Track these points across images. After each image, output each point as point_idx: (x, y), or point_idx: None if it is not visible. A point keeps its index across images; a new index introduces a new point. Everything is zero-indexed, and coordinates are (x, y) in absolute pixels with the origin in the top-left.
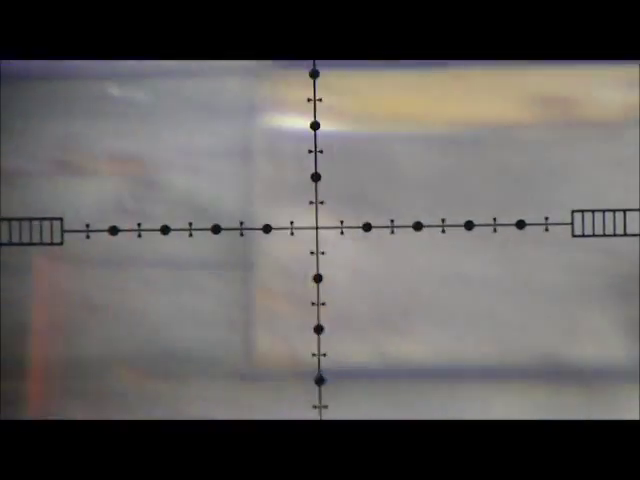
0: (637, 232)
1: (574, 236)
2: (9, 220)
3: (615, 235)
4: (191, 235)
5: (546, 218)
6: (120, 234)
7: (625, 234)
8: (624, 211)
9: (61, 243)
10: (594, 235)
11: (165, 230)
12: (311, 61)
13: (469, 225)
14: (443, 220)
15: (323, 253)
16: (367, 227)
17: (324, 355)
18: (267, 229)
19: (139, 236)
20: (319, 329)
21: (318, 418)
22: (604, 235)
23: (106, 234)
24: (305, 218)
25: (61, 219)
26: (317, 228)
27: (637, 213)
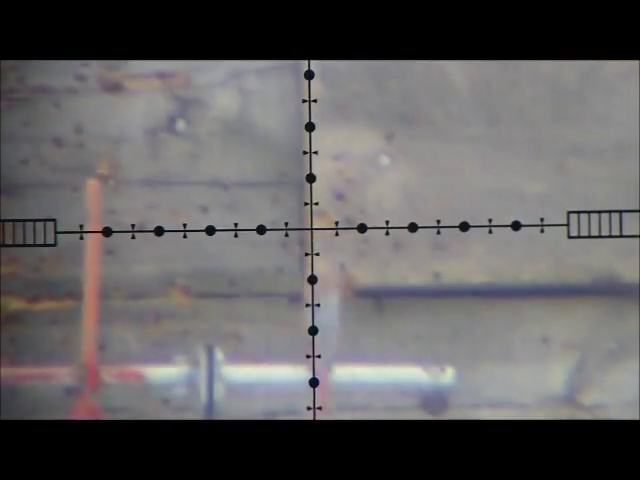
0: (634, 233)
1: (570, 237)
2: (2, 222)
3: (611, 236)
4: None
5: (541, 219)
6: (113, 235)
7: (621, 235)
8: (620, 212)
9: (54, 244)
10: (590, 236)
11: None
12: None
13: (464, 226)
14: (438, 221)
15: (318, 254)
16: (362, 228)
17: None
18: None
19: (133, 237)
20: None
21: (312, 419)
22: (600, 236)
23: (99, 235)
24: None
25: (54, 220)
26: (312, 229)
27: (633, 214)
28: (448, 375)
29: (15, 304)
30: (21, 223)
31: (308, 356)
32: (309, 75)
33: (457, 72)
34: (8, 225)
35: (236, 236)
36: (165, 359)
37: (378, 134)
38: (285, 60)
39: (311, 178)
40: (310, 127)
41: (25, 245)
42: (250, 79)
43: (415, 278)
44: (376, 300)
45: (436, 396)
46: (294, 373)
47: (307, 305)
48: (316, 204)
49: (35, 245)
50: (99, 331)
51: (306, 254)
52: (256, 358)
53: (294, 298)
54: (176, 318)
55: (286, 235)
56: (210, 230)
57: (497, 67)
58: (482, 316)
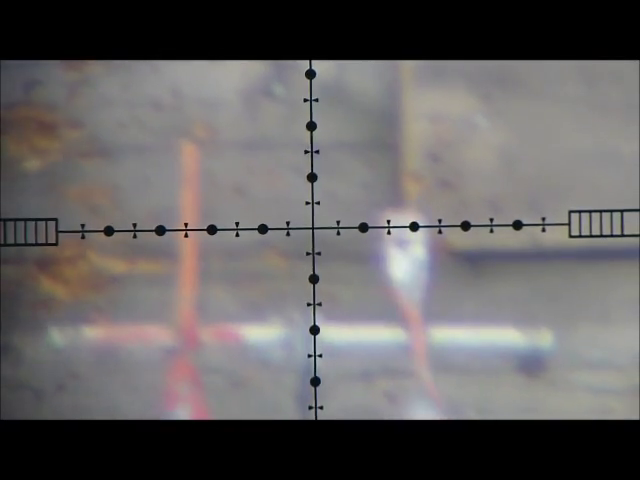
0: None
1: (571, 237)
2: (4, 221)
3: (612, 236)
4: None
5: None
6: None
7: (622, 235)
8: (621, 211)
9: (56, 243)
10: (591, 236)
11: None
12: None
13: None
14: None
15: (319, 254)
16: (363, 227)
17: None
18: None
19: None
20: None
21: (313, 419)
22: (601, 236)
23: (101, 234)
24: None
25: (56, 220)
26: (313, 228)
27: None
28: (546, 337)
29: (114, 266)
30: (22, 222)
31: (310, 355)
32: (310, 74)
33: None
34: (9, 224)
35: (237, 236)
36: (262, 319)
37: (474, 95)
38: (286, 60)
39: (312, 177)
40: (312, 126)
41: (26, 244)
42: None
43: (513, 241)
44: (473, 263)
45: (534, 358)
46: (389, 334)
47: (309, 304)
48: (317, 203)
49: (37, 244)
50: (197, 292)
51: (307, 253)
52: (352, 319)
53: (381, 259)
54: (272, 279)
55: (287, 234)
56: (212, 229)
57: None
58: (579, 278)
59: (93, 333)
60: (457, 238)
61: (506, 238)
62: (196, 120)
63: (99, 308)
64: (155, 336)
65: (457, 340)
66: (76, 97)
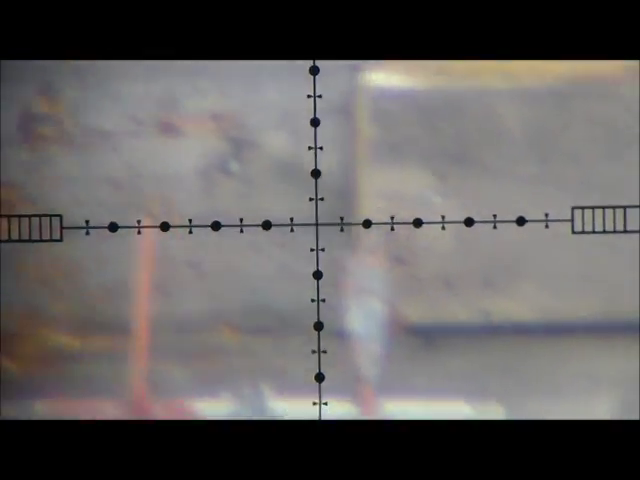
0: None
1: (574, 232)
2: (8, 217)
3: (615, 232)
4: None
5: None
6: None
7: (625, 231)
8: (624, 208)
9: (60, 240)
10: (594, 232)
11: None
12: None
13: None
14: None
15: (323, 250)
16: (367, 224)
17: None
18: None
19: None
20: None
21: (317, 417)
22: (604, 232)
23: (106, 230)
24: None
25: (60, 216)
26: (317, 225)
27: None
28: (497, 411)
29: (64, 340)
30: (27, 218)
31: (314, 351)
32: (314, 71)
33: (509, 112)
34: (14, 220)
35: (242, 232)
36: (214, 395)
37: (430, 174)
38: (289, 60)
39: (316, 174)
40: (315, 122)
41: (31, 241)
42: (301, 121)
43: (465, 315)
44: (426, 337)
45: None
46: (342, 409)
47: (312, 300)
48: (321, 199)
49: (41, 241)
50: (148, 367)
51: (311, 250)
52: (302, 391)
53: (341, 333)
54: (224, 354)
55: (291, 230)
56: (216, 225)
57: (550, 107)
58: (530, 353)
59: (44, 407)
60: (411, 312)
61: (459, 312)
62: (153, 197)
63: (50, 383)
64: (106, 411)
65: (408, 413)
66: (33, 176)
